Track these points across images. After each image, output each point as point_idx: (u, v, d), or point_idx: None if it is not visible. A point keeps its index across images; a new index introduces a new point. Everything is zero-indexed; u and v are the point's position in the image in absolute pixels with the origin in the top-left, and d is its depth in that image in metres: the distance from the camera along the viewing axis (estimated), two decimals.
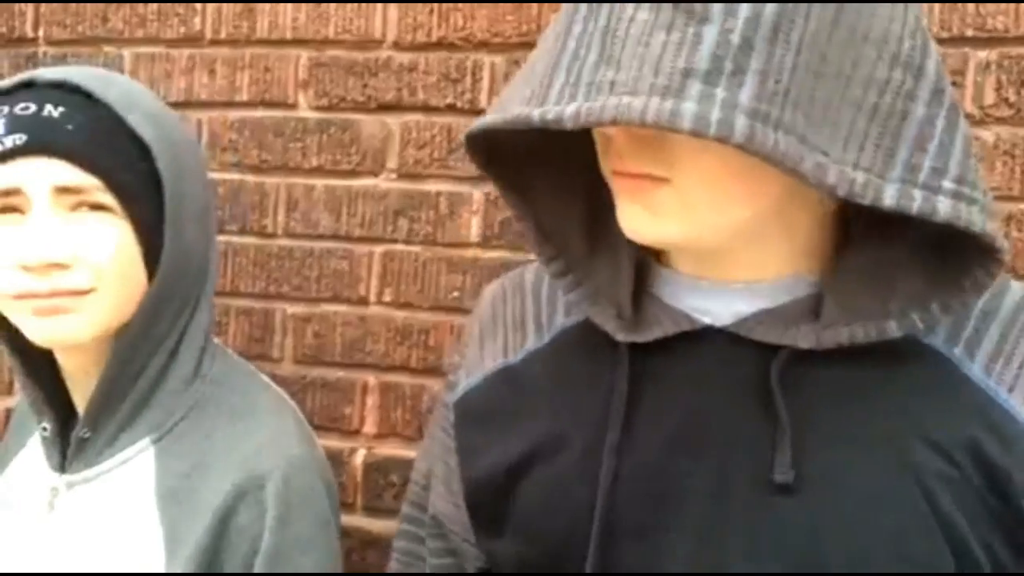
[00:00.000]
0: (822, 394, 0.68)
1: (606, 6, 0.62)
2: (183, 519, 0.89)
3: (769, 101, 0.56)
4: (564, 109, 0.60)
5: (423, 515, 0.91)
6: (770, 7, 0.57)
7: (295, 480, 0.91)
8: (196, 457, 0.92)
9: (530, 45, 1.21)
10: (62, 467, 0.94)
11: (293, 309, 1.36)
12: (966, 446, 0.65)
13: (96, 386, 0.90)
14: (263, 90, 1.37)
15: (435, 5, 1.28)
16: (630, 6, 0.60)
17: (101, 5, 1.40)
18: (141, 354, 0.90)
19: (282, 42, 1.35)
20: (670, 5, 0.58)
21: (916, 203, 0.59)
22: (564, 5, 0.66)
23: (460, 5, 1.27)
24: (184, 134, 0.97)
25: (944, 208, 0.59)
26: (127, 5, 1.39)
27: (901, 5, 0.61)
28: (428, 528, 0.90)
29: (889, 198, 0.59)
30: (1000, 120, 1.09)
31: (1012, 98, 1.09)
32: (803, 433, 0.67)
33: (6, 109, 0.87)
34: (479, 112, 1.26)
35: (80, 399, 0.95)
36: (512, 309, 0.85)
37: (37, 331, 0.87)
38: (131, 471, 0.92)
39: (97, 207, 0.87)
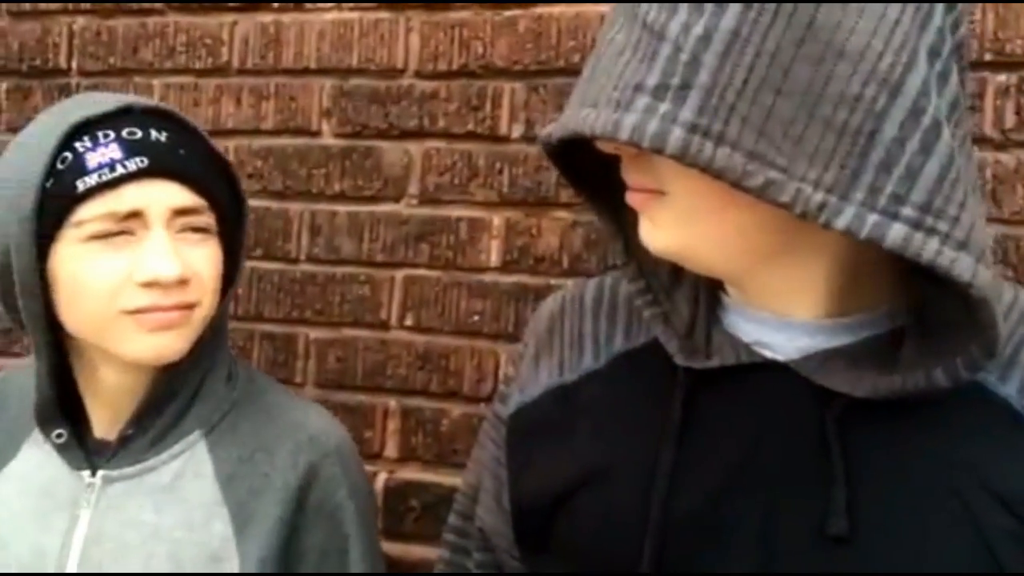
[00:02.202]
0: (879, 442, 0.67)
1: (602, 32, 0.65)
2: (251, 498, 0.97)
3: (712, 116, 0.57)
4: (551, 127, 0.64)
5: (468, 526, 0.92)
6: (723, 27, 0.58)
7: (353, 457, 1.04)
8: (254, 444, 0.99)
9: (549, 72, 1.25)
10: (90, 466, 0.98)
11: (316, 334, 1.38)
12: None
13: (147, 392, 0.97)
14: (288, 118, 1.40)
15: (455, 33, 1.31)
16: (614, 30, 0.63)
17: (132, 37, 1.45)
18: (191, 364, 0.97)
19: (306, 71, 1.39)
20: (640, 25, 0.61)
21: (866, 228, 0.57)
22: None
23: (480, 33, 1.30)
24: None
25: (894, 236, 0.57)
26: (157, 37, 1.44)
27: (889, 19, 0.58)
28: (474, 541, 0.91)
29: (843, 220, 0.57)
30: (1022, 144, 1.10)
31: None
32: (858, 482, 0.66)
33: (113, 134, 0.90)
34: (499, 139, 1.30)
35: (100, 405, 1.00)
36: (570, 326, 0.85)
37: (143, 347, 0.92)
38: (185, 462, 0.98)
39: (199, 229, 0.94)
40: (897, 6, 0.58)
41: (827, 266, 0.68)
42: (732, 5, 0.58)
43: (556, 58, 1.29)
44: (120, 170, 0.89)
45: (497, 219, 1.32)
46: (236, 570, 0.97)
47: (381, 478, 1.33)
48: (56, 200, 0.89)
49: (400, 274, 1.35)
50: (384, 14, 1.36)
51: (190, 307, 0.94)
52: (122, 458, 0.98)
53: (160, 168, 0.91)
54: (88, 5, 1.49)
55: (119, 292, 0.91)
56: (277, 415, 1.03)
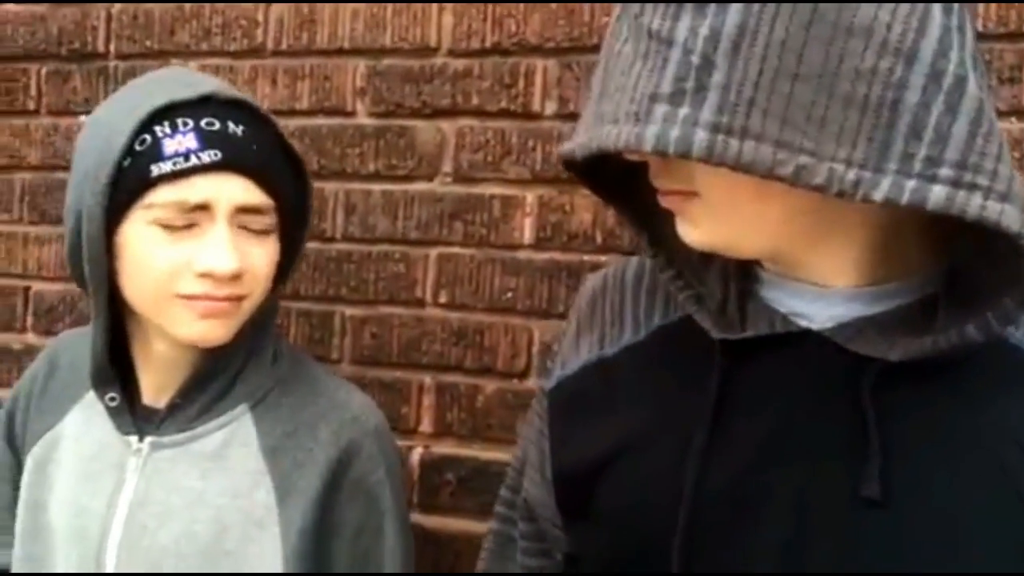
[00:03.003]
0: (913, 406, 0.67)
1: (606, 46, 0.66)
2: (294, 470, 1.00)
3: (732, 113, 0.58)
4: (573, 144, 0.66)
5: (516, 498, 0.94)
6: (729, 23, 0.58)
7: (393, 442, 1.09)
8: (298, 419, 1.03)
9: (581, 49, 1.25)
10: (137, 432, 1.02)
11: (352, 311, 1.40)
12: None
13: (195, 366, 1.01)
14: (322, 99, 1.41)
15: (488, 11, 1.31)
16: (619, 42, 0.64)
17: (168, 20, 1.47)
18: (238, 344, 1.01)
19: (340, 52, 1.39)
20: (646, 35, 0.61)
21: (906, 194, 0.58)
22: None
23: (513, 11, 1.30)
24: None
25: (936, 197, 0.58)
26: (192, 19, 1.45)
27: None
28: (519, 511, 0.93)
29: (880, 192, 0.58)
30: None
31: None
32: (892, 446, 0.66)
33: (192, 123, 0.92)
34: (532, 116, 1.31)
35: (150, 373, 1.04)
36: (611, 302, 0.86)
37: (192, 330, 0.96)
38: (230, 432, 1.02)
39: (260, 227, 0.97)
40: None
41: (864, 236, 0.68)
42: (734, 2, 0.58)
43: (589, 34, 1.28)
44: (194, 160, 0.91)
45: (530, 196, 1.32)
46: (278, 537, 1.00)
47: (417, 452, 1.34)
48: (130, 179, 0.92)
49: (434, 252, 1.36)
50: None
51: (240, 299, 0.98)
52: (169, 425, 1.02)
53: (233, 162, 0.93)
54: None
55: (176, 277, 0.94)
56: (320, 394, 1.06)
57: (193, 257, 0.94)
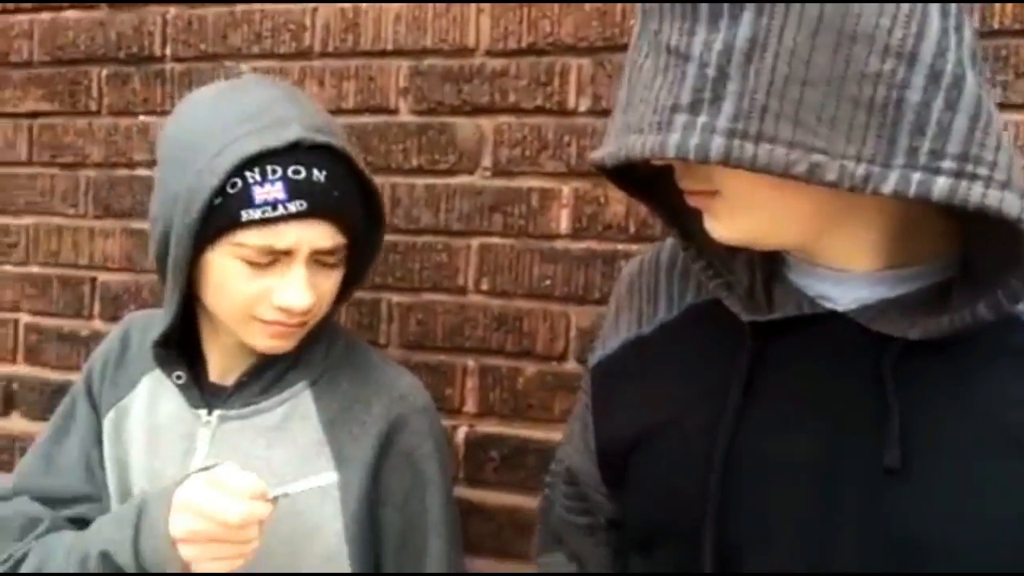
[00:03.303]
0: (932, 381, 0.69)
1: (629, 60, 0.69)
2: (349, 441, 1.07)
3: (747, 119, 0.60)
4: (603, 153, 0.69)
5: (557, 466, 1.00)
6: (741, 37, 0.61)
7: (436, 417, 1.14)
8: (353, 396, 1.09)
9: (613, 48, 1.29)
10: (206, 405, 1.08)
11: (398, 299, 1.43)
12: None
13: (259, 354, 1.06)
14: (367, 98, 1.43)
15: (524, 13, 1.33)
16: (641, 56, 0.67)
17: (221, 24, 1.50)
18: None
19: (384, 53, 1.42)
20: (665, 51, 0.64)
21: (912, 187, 0.60)
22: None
23: (548, 12, 1.32)
24: None
25: (940, 188, 0.59)
26: (244, 23, 1.48)
27: None
28: (562, 476, 0.98)
29: (888, 185, 0.60)
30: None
31: None
32: (912, 419, 0.68)
33: (280, 171, 0.95)
34: (567, 112, 1.33)
35: (218, 355, 1.10)
36: (647, 284, 0.89)
37: (261, 343, 1.03)
38: (291, 407, 1.08)
39: (332, 262, 1.02)
40: None
41: (881, 223, 0.71)
42: (745, 15, 0.61)
43: (620, 35, 1.30)
44: (281, 210, 0.95)
45: (566, 189, 1.34)
46: (338, 501, 1.04)
47: (462, 431, 1.38)
48: (221, 218, 0.96)
49: (476, 242, 1.39)
50: None
51: (307, 322, 1.04)
52: (235, 400, 1.08)
53: (317, 210, 0.96)
54: None
55: (255, 305, 1.00)
56: (373, 374, 1.11)
57: (272, 291, 0.99)
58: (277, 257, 0.98)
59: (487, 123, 1.38)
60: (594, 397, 0.91)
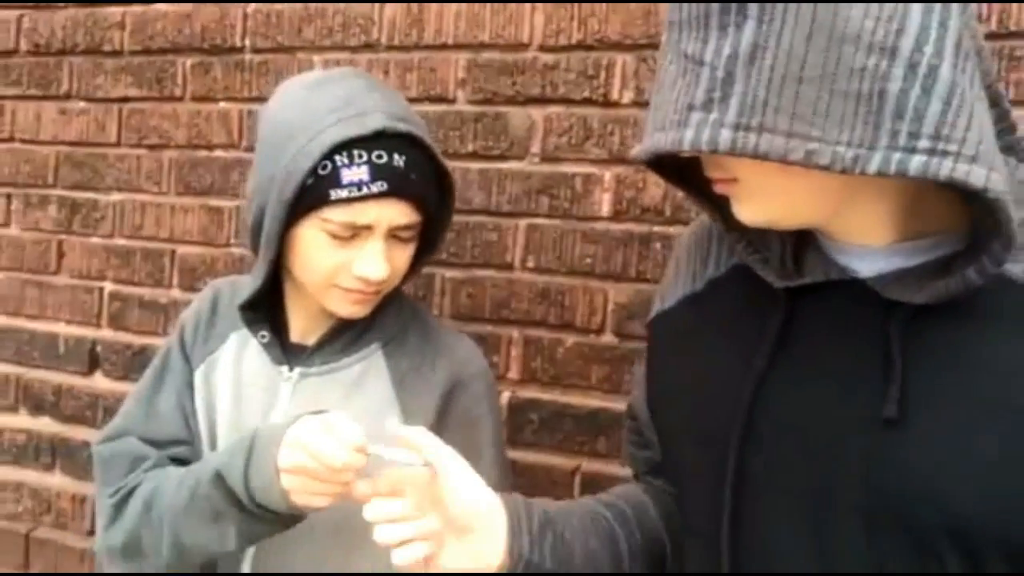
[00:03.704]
0: (935, 344, 0.72)
1: (659, 65, 0.75)
2: (415, 398, 1.14)
3: (750, 113, 0.66)
4: (638, 149, 0.74)
5: (628, 415, 1.07)
6: (744, 42, 0.66)
7: (492, 381, 1.20)
8: (420, 357, 1.16)
9: (656, 45, 1.37)
10: (288, 362, 1.15)
11: (451, 274, 1.50)
12: None
13: (337, 317, 1.13)
14: (428, 88, 1.50)
15: (575, 11, 1.40)
16: (667, 63, 0.73)
17: (297, 18, 1.58)
18: None
19: (444, 47, 1.49)
20: (683, 57, 0.70)
21: (892, 165, 0.64)
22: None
23: (596, 11, 1.38)
24: None
25: (916, 165, 0.64)
26: (317, 18, 1.57)
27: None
28: (627, 415, 1.06)
29: (873, 165, 0.64)
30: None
31: None
32: (913, 377, 0.72)
33: (365, 156, 1.02)
34: (612, 104, 1.39)
35: (300, 317, 1.17)
36: (700, 247, 0.95)
37: (341, 309, 1.10)
38: (366, 366, 1.15)
39: (407, 236, 1.08)
40: None
41: (891, 200, 0.75)
42: (748, 23, 0.66)
43: (662, 33, 1.36)
44: (365, 191, 1.02)
45: (608, 175, 1.40)
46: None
47: (505, 396, 1.45)
48: (311, 196, 1.03)
49: (523, 222, 1.45)
50: None
51: (382, 291, 1.11)
52: (315, 359, 1.14)
53: (396, 191, 1.03)
54: None
55: (337, 274, 1.07)
56: (437, 340, 1.19)
57: (353, 262, 1.05)
58: (358, 232, 1.04)
59: (537, 113, 1.44)
60: (650, 350, 0.98)
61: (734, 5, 0.67)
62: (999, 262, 0.68)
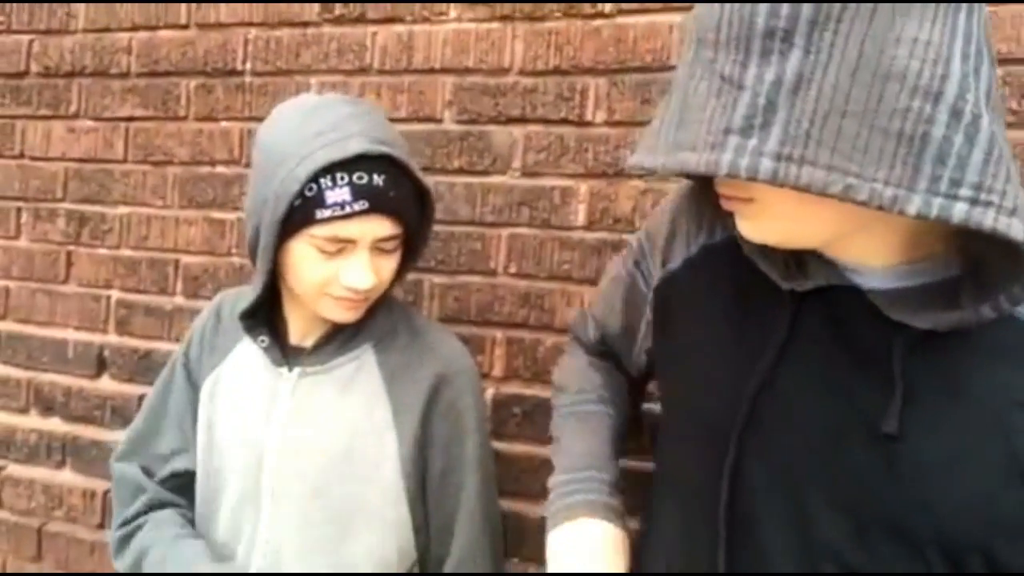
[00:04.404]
0: (936, 365, 0.72)
1: (680, 81, 0.72)
2: (404, 394, 1.18)
3: (792, 144, 0.63)
4: (657, 161, 0.71)
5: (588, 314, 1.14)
6: (790, 72, 0.64)
7: (477, 376, 1.24)
8: (408, 355, 1.20)
9: (626, 70, 1.42)
10: (287, 363, 1.19)
11: (438, 279, 1.53)
12: None
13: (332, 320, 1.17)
14: (417, 109, 1.53)
15: (551, 40, 1.45)
16: (695, 79, 0.70)
17: (295, 44, 1.63)
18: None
19: (432, 71, 1.52)
20: (719, 78, 0.67)
21: (934, 210, 0.62)
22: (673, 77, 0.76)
23: (571, 39, 1.44)
24: None
25: (959, 213, 0.62)
26: (314, 44, 1.61)
27: (921, 41, 0.62)
28: (595, 335, 1.11)
29: (913, 207, 0.62)
30: (1009, 125, 1.23)
31: (1016, 107, 1.24)
32: (914, 395, 0.71)
33: (347, 178, 1.05)
34: (586, 123, 1.43)
35: (298, 321, 1.22)
36: (693, 209, 0.93)
37: (334, 315, 1.14)
38: (359, 365, 1.19)
39: (390, 247, 1.12)
40: (927, 27, 0.62)
41: (895, 229, 0.75)
42: (793, 52, 0.64)
43: (632, 59, 1.40)
44: (348, 210, 1.05)
45: (584, 187, 1.43)
46: (395, 442, 1.15)
47: (490, 392, 1.49)
48: (299, 215, 1.07)
49: (505, 232, 1.48)
50: (495, 25, 1.48)
51: (370, 297, 1.15)
52: (312, 359, 1.19)
53: (376, 208, 1.07)
54: (260, 19, 1.64)
55: (327, 284, 1.11)
56: (426, 338, 1.23)
57: (341, 273, 1.09)
58: (344, 246, 1.08)
59: (518, 131, 1.47)
60: (655, 311, 0.96)
61: (780, 31, 0.64)
62: (1017, 303, 0.68)
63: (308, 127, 1.09)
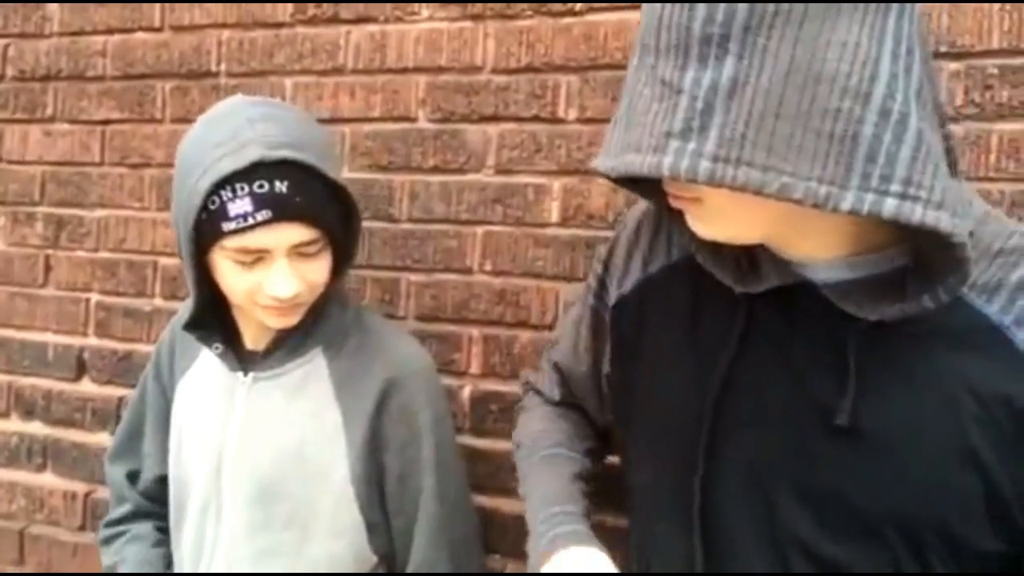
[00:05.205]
0: (888, 355, 0.74)
1: (629, 85, 0.74)
2: (353, 401, 1.17)
3: (729, 146, 0.65)
4: (607, 165, 0.74)
5: (548, 360, 1.13)
6: (726, 76, 0.65)
7: (433, 377, 1.23)
8: (358, 360, 1.19)
9: (597, 67, 1.44)
10: (242, 369, 1.19)
11: (415, 278, 1.54)
12: (1003, 399, 0.70)
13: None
14: (391, 108, 1.54)
15: (523, 38, 1.47)
16: (640, 84, 0.72)
17: (268, 45, 1.64)
18: (310, 308, 1.18)
19: (406, 71, 1.54)
20: (660, 83, 0.69)
21: (866, 206, 0.64)
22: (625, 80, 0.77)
23: (543, 37, 1.46)
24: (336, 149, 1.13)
25: (889, 208, 0.64)
26: (288, 45, 1.62)
27: (851, 44, 0.64)
28: (550, 359, 1.10)
29: (846, 204, 0.64)
30: (969, 117, 1.27)
31: (977, 99, 1.26)
32: (867, 386, 0.73)
33: (247, 188, 1.01)
34: (558, 120, 1.45)
35: (249, 327, 1.21)
36: (653, 230, 0.94)
37: (270, 321, 1.12)
38: (309, 370, 1.19)
39: (312, 251, 1.09)
40: (856, 30, 0.65)
41: (840, 223, 0.77)
42: (729, 58, 0.66)
43: (603, 56, 1.41)
44: (251, 221, 1.02)
45: (557, 185, 1.45)
46: (344, 446, 1.14)
47: (467, 389, 1.51)
48: (207, 229, 1.05)
49: (481, 230, 1.50)
50: (467, 24, 1.50)
51: (303, 302, 1.13)
52: (265, 364, 1.19)
53: (282, 216, 1.03)
54: (233, 20, 1.65)
55: (253, 294, 1.10)
56: (377, 342, 1.21)
57: (263, 284, 1.07)
58: (260, 255, 1.05)
59: (492, 129, 1.49)
60: (613, 333, 0.98)
61: (716, 38, 0.66)
62: (953, 293, 0.71)
63: (210, 137, 1.07)
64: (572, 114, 1.46)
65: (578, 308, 1.10)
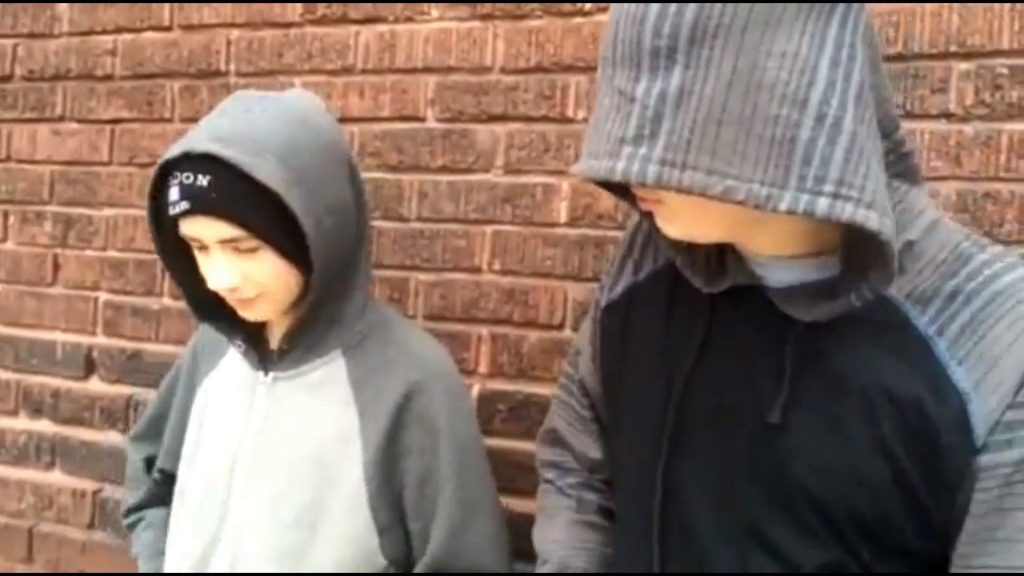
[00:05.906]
0: (822, 355, 0.79)
1: (597, 95, 0.78)
2: (372, 401, 1.16)
3: (675, 151, 0.69)
4: (575, 169, 0.78)
5: (575, 373, 1.13)
6: (673, 86, 0.69)
7: (456, 380, 1.21)
8: (379, 360, 1.17)
9: None
10: (264, 368, 1.19)
11: (424, 277, 1.55)
12: (914, 400, 0.75)
13: (292, 323, 1.16)
14: (400, 108, 1.55)
15: (532, 38, 1.48)
16: (602, 94, 0.76)
17: (278, 44, 1.65)
18: (321, 304, 1.16)
19: (414, 70, 1.55)
20: (616, 92, 0.73)
21: (801, 206, 0.68)
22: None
23: (552, 37, 1.46)
24: (315, 149, 1.08)
25: (822, 207, 0.68)
26: (297, 44, 1.63)
27: (790, 53, 0.68)
28: (576, 384, 1.11)
29: (784, 204, 0.68)
30: (979, 117, 1.27)
31: (987, 99, 1.27)
32: (800, 384, 0.79)
33: (178, 176, 1.03)
34: (567, 120, 1.46)
35: (272, 325, 1.22)
36: (644, 239, 1.00)
37: (242, 314, 1.13)
38: (328, 370, 1.18)
39: (247, 247, 1.06)
40: (796, 39, 0.68)
41: (794, 222, 0.81)
42: (676, 68, 0.70)
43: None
44: (175, 209, 1.04)
45: (566, 184, 1.46)
46: (359, 449, 1.13)
47: (476, 389, 1.52)
48: (162, 212, 1.08)
49: (489, 229, 1.51)
50: (476, 23, 1.51)
51: (249, 301, 1.10)
52: (286, 363, 1.18)
53: (198, 209, 1.03)
54: (243, 20, 1.66)
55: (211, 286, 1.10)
56: (398, 342, 1.20)
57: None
58: (203, 245, 1.06)
59: (500, 129, 1.50)
60: (602, 336, 1.03)
61: (664, 49, 0.70)
62: (877, 292, 0.75)
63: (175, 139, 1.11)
64: (580, 114, 1.47)
65: (580, 339, 1.14)
